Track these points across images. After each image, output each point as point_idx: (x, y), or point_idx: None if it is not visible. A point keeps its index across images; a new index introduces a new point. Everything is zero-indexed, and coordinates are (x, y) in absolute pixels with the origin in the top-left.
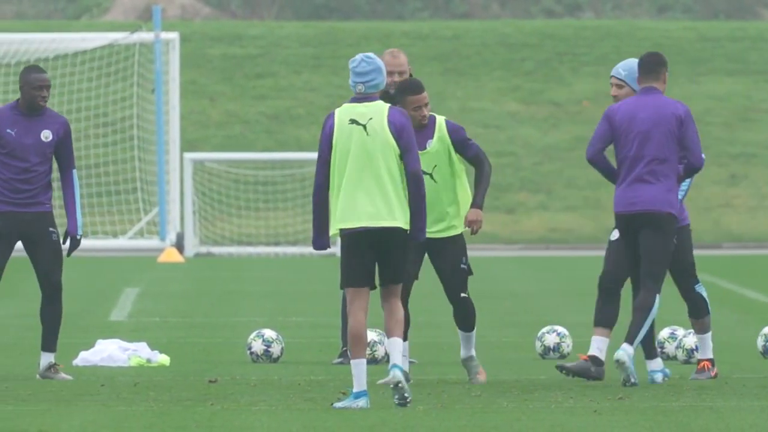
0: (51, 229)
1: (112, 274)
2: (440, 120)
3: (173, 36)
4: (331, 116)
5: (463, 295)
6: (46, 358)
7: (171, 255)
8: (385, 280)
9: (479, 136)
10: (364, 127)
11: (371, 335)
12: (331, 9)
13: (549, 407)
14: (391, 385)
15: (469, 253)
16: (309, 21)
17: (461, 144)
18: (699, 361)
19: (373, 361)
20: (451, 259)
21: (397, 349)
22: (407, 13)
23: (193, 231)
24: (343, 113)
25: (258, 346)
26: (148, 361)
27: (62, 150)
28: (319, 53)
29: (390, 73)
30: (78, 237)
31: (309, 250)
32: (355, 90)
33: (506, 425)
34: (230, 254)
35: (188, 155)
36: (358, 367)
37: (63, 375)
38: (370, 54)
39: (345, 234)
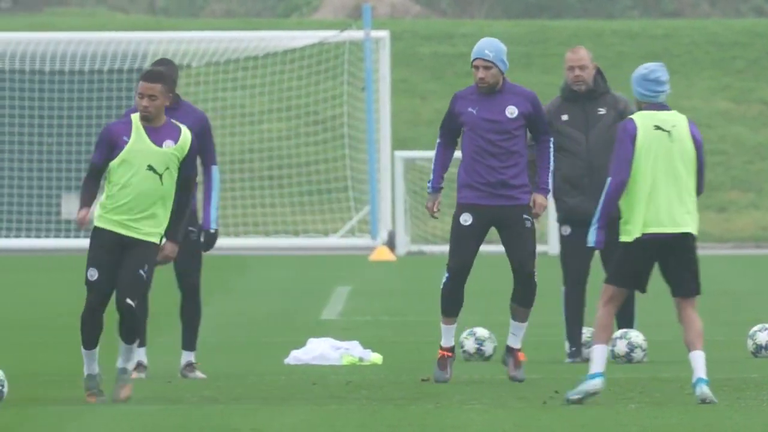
0: (190, 228)
1: (324, 273)
2: (186, 133)
3: (383, 34)
4: (630, 121)
5: (128, 301)
6: (186, 357)
7: (382, 253)
8: (679, 292)
9: None
10: (669, 133)
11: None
12: (541, 7)
13: (761, 405)
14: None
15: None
16: (519, 19)
17: (189, 163)
18: None
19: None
20: (131, 263)
21: (699, 362)
22: (617, 11)
23: (404, 229)
24: (645, 119)
25: (470, 345)
26: (360, 359)
27: (202, 145)
28: (529, 51)
29: (571, 68)
30: (212, 231)
31: None
32: (658, 99)
33: (718, 423)
34: (442, 252)
35: (399, 153)
36: (599, 352)
37: (198, 374)
38: (661, 64)
39: (643, 238)
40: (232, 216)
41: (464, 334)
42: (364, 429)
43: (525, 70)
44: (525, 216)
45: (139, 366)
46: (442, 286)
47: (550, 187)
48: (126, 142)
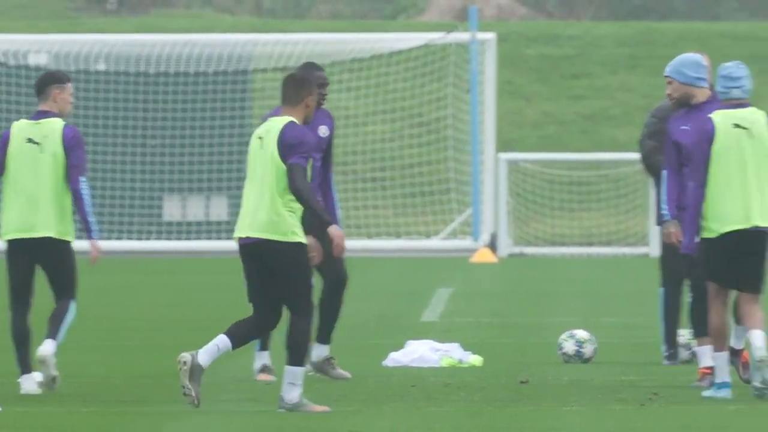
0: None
1: (425, 275)
2: None
3: (489, 36)
4: (709, 121)
5: None
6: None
7: (484, 255)
8: (744, 288)
9: None
10: (748, 130)
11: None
12: (648, 9)
13: None
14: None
15: None
16: (626, 21)
17: None
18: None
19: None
20: None
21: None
22: (724, 13)
23: (506, 231)
24: (725, 118)
25: (570, 347)
26: (460, 361)
27: (329, 147)
28: (635, 53)
29: None
30: None
31: (622, 250)
32: (729, 95)
33: None
34: (543, 254)
35: (503, 155)
36: (721, 360)
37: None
38: (739, 62)
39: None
40: None
41: (564, 336)
42: (461, 431)
43: (631, 72)
44: None
45: (266, 368)
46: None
47: None
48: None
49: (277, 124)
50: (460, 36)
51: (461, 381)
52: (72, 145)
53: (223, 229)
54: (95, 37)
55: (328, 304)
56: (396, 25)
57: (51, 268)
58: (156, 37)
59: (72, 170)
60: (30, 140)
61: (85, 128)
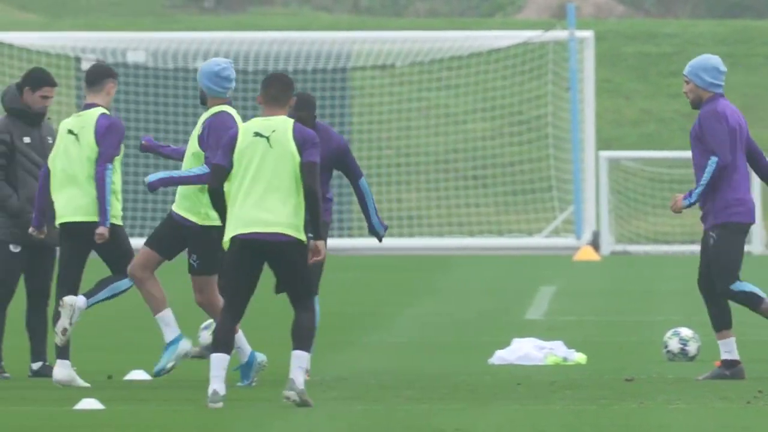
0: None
1: (528, 273)
2: None
3: (587, 34)
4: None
5: None
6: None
7: (587, 253)
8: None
9: None
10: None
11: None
12: (744, 7)
13: None
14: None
15: None
16: (723, 19)
17: None
18: None
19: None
20: None
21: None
22: None
23: (608, 229)
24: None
25: (674, 345)
26: (565, 359)
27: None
28: (733, 51)
29: None
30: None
31: None
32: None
33: None
34: (646, 252)
35: (603, 154)
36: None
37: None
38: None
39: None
40: (437, 216)
41: (668, 334)
42: (568, 429)
43: (729, 71)
44: None
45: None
46: None
47: None
48: None
49: (284, 123)
50: (558, 34)
51: (566, 379)
52: (103, 133)
53: None
54: (192, 35)
55: None
56: (493, 23)
57: (99, 249)
58: (253, 35)
59: (98, 157)
60: (70, 131)
61: (185, 126)
